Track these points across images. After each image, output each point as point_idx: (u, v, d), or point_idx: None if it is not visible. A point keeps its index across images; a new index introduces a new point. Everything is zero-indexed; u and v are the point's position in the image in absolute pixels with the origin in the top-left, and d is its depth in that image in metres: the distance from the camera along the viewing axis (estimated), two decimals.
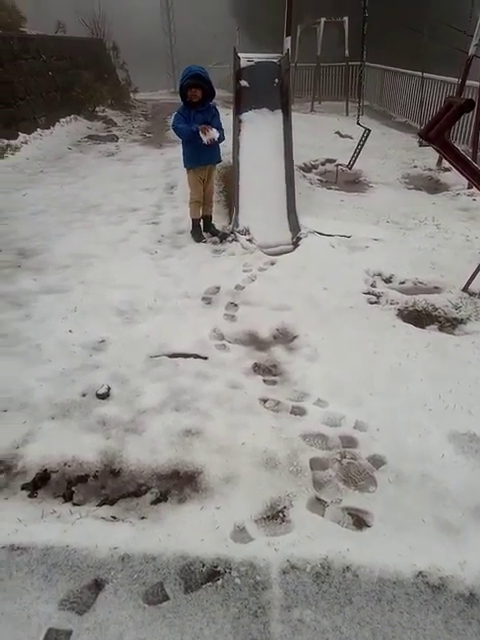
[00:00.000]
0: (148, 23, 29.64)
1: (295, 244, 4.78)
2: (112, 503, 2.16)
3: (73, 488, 2.23)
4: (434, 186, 7.01)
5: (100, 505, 2.15)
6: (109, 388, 2.82)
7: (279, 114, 5.99)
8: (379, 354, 3.12)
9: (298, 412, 2.67)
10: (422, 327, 3.47)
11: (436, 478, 2.24)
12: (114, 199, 6.21)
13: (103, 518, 2.07)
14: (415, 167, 7.78)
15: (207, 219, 5.15)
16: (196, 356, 3.15)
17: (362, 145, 7.35)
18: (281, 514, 2.10)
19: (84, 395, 2.78)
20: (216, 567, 1.88)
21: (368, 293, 3.89)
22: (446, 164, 6.76)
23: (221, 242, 4.89)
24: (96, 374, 2.95)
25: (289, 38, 6.96)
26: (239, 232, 4.90)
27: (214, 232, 5.08)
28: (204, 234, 5.07)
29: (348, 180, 7.24)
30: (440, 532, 2.01)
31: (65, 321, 3.47)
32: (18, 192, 6.42)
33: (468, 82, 7.21)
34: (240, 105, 5.99)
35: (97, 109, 12.94)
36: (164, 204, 6.06)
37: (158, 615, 1.75)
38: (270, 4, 16.91)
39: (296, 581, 1.84)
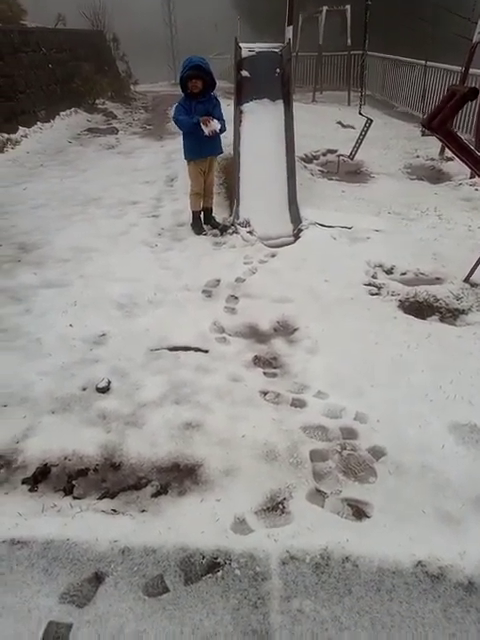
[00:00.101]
0: (148, 14, 29.42)
1: (296, 236, 4.75)
2: (112, 496, 2.17)
3: (73, 482, 2.23)
4: (436, 176, 6.95)
5: (100, 498, 2.16)
6: (109, 382, 2.82)
7: (280, 104, 5.94)
8: (380, 345, 3.11)
9: (298, 404, 2.67)
10: (423, 318, 3.46)
11: (437, 469, 2.24)
12: (114, 192, 6.19)
13: (103, 511, 2.08)
14: (417, 157, 7.71)
15: (208, 211, 5.12)
16: (196, 349, 3.15)
17: (364, 135, 7.30)
18: (281, 505, 2.10)
19: (84, 389, 2.79)
20: (216, 559, 1.89)
21: (369, 284, 3.88)
22: (449, 154, 6.70)
23: (222, 234, 4.87)
24: (96, 368, 2.95)
25: (291, 27, 6.91)
26: (240, 224, 4.88)
27: (215, 224, 5.06)
28: (205, 226, 5.05)
29: (350, 171, 7.19)
30: (440, 523, 2.01)
31: (65, 315, 3.47)
32: (18, 186, 6.41)
33: (471, 70, 7.13)
34: (241, 96, 5.94)
35: (97, 102, 12.88)
36: (164, 197, 6.03)
37: (158, 607, 1.76)
38: None
39: (296, 572, 1.85)
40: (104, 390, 2.77)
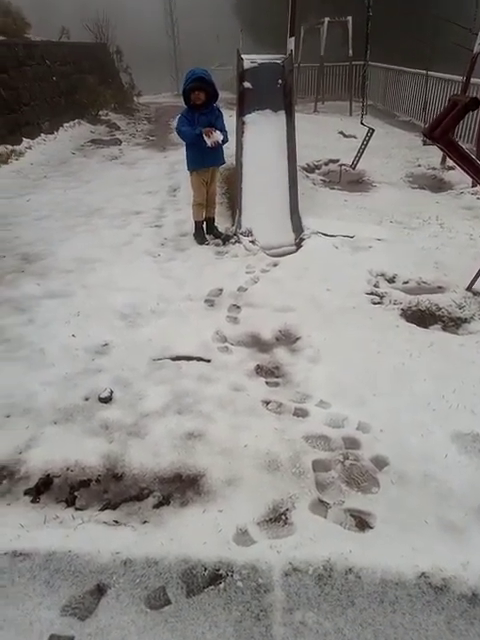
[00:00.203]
0: (151, 26, 29.74)
1: (298, 245, 4.77)
2: (114, 507, 2.17)
3: (75, 493, 2.23)
4: (438, 185, 6.97)
5: (102, 509, 2.16)
6: (112, 392, 2.82)
7: (282, 115, 5.98)
8: (382, 354, 3.10)
9: (301, 414, 2.67)
10: (425, 327, 3.46)
11: (439, 478, 2.23)
12: (117, 203, 6.24)
13: (105, 523, 2.08)
14: (419, 166, 7.74)
15: (210, 221, 5.15)
16: (199, 359, 3.16)
17: (365, 145, 7.33)
18: (283, 516, 2.09)
19: (87, 399, 2.79)
20: (218, 570, 1.88)
21: (371, 293, 3.88)
22: (450, 163, 6.72)
23: (224, 244, 4.89)
24: (99, 378, 2.96)
25: (293, 39, 6.95)
26: (242, 234, 4.91)
27: (217, 234, 5.09)
28: (207, 236, 5.07)
29: (351, 180, 7.22)
30: (443, 533, 2.00)
31: (68, 325, 3.49)
32: (22, 197, 6.47)
33: (473, 80, 7.16)
34: (243, 107, 5.99)
35: (101, 113, 13.00)
36: (167, 207, 6.07)
37: (160, 620, 1.75)
38: (273, 4, 16.91)
39: (298, 583, 1.84)
40: (107, 400, 2.78)
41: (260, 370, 3.08)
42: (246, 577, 1.86)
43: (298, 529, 2.03)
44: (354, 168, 7.49)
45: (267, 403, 2.76)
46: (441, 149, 3.87)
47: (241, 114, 5.95)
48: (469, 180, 5.90)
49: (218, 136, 4.47)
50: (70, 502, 2.19)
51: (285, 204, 5.32)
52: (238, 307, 3.78)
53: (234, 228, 5.06)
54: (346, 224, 5.13)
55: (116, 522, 2.09)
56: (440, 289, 3.94)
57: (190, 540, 1.98)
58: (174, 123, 5.41)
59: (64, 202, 6.29)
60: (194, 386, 2.88)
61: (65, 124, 11.09)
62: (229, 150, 5.24)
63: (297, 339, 3.34)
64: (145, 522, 2.09)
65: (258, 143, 5.68)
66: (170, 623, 1.74)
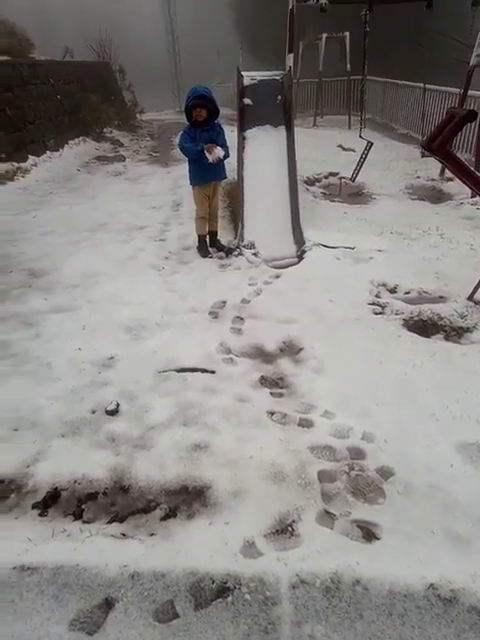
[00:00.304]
0: (153, 45, 30.20)
1: (300, 257, 4.81)
2: (122, 520, 2.17)
3: (83, 506, 2.24)
4: (437, 196, 7.02)
5: (110, 522, 2.16)
6: (118, 404, 2.84)
7: (282, 130, 6.06)
8: (385, 365, 3.12)
9: (305, 424, 2.68)
10: (428, 337, 3.47)
11: (445, 489, 2.23)
12: (122, 218, 6.31)
13: (113, 536, 2.08)
14: (418, 178, 7.80)
15: (213, 235, 5.20)
16: (203, 370, 3.18)
17: (365, 158, 7.41)
18: (290, 528, 2.09)
19: (93, 412, 2.81)
20: (226, 583, 1.88)
21: (373, 304, 3.90)
22: (449, 174, 6.78)
23: (227, 257, 4.94)
24: (105, 391, 2.98)
25: (291, 55, 7.08)
26: (244, 246, 4.95)
27: (220, 247, 5.13)
28: (210, 249, 5.12)
29: (351, 192, 7.29)
30: (450, 543, 2.00)
31: (74, 339, 3.52)
32: (28, 214, 6.54)
33: (470, 92, 7.25)
34: (244, 122, 6.08)
35: (105, 130, 13.17)
36: (171, 221, 6.13)
37: (168, 633, 1.75)
38: (273, 21, 17.17)
39: (306, 596, 1.84)
40: (113, 413, 2.80)
41: (264, 381, 3.09)
42: (254, 590, 1.86)
43: (305, 541, 2.03)
44: (354, 181, 7.56)
45: (272, 414, 2.77)
46: (439, 161, 3.92)
47: (242, 130, 6.04)
48: (468, 191, 5.94)
49: (219, 152, 4.54)
50: (77, 515, 2.20)
51: (286, 217, 5.37)
52: (242, 319, 3.80)
53: (237, 241, 5.10)
54: (347, 236, 5.17)
55: (123, 535, 2.09)
56: (441, 299, 3.96)
57: (197, 553, 1.99)
58: (177, 139, 5.50)
59: (69, 218, 6.36)
60: (199, 398, 2.90)
61: (70, 141, 11.24)
62: (231, 165, 5.30)
63: (300, 350, 3.36)
64: (152, 535, 2.09)
65: (259, 157, 5.76)
66: (178, 637, 1.74)
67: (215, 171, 4.79)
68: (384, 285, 4.18)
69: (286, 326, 3.62)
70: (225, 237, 5.33)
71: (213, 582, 1.88)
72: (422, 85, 8.10)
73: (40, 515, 2.20)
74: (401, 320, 3.67)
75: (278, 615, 1.79)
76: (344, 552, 1.97)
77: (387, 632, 1.74)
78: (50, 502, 2.26)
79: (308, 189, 7.15)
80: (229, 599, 1.84)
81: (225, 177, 5.06)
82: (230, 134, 5.27)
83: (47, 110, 10.65)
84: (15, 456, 2.48)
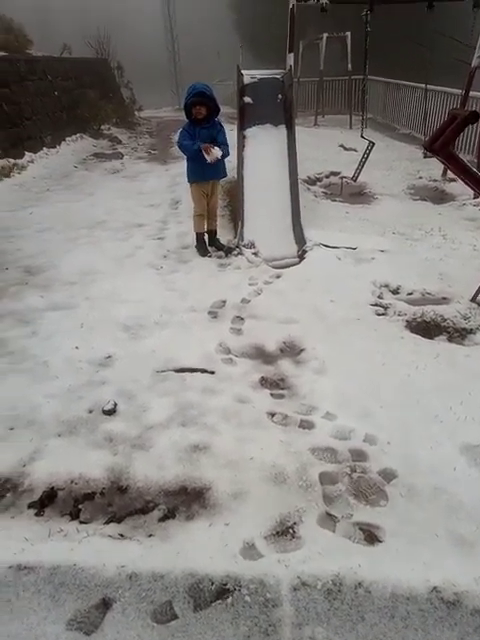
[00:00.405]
0: (152, 42, 30.15)
1: (301, 257, 4.78)
2: (119, 521, 2.14)
3: (80, 506, 2.21)
4: (440, 196, 7.01)
5: (107, 523, 2.13)
6: (116, 404, 2.81)
7: (283, 129, 6.04)
8: (388, 366, 3.09)
9: (306, 426, 2.65)
10: (431, 338, 3.45)
11: (449, 491, 2.20)
12: (120, 215, 6.27)
13: (110, 536, 2.05)
14: (420, 178, 7.79)
15: (212, 234, 5.17)
16: (203, 370, 3.14)
17: (366, 157, 7.39)
18: (291, 530, 2.06)
19: (91, 411, 2.77)
20: (225, 585, 1.85)
21: (375, 305, 3.88)
22: (451, 175, 6.77)
23: (227, 256, 4.91)
24: (103, 390, 2.94)
25: (292, 54, 7.05)
26: (244, 246, 4.92)
27: (219, 246, 5.10)
28: (209, 248, 5.09)
29: (353, 192, 7.26)
30: (454, 546, 1.97)
31: (72, 337, 3.48)
32: (25, 210, 6.50)
33: (471, 93, 7.24)
34: (244, 121, 6.05)
35: (102, 127, 13.12)
36: (169, 219, 6.10)
37: (167, 634, 1.72)
38: (273, 21, 17.16)
39: (307, 598, 1.81)
40: (110, 412, 2.76)
41: (265, 382, 3.06)
42: (254, 592, 1.83)
43: (306, 543, 2.00)
44: (355, 180, 7.54)
45: (272, 415, 2.74)
46: (441, 162, 3.90)
47: (242, 128, 6.01)
48: (471, 191, 5.92)
49: (217, 152, 4.51)
50: (74, 515, 2.16)
51: (287, 216, 5.35)
52: (242, 319, 3.77)
53: (236, 240, 5.07)
54: (348, 236, 5.15)
55: (121, 535, 2.06)
56: (445, 300, 3.93)
57: (196, 554, 1.95)
58: (175, 137, 5.47)
59: (66, 215, 6.32)
60: (198, 398, 2.87)
61: (67, 138, 11.19)
62: (231, 163, 5.27)
63: (301, 351, 3.33)
64: (151, 535, 2.06)
65: (259, 156, 5.73)
66: (177, 638, 1.71)
67: (214, 170, 4.75)
68: (386, 286, 4.15)
69: (287, 326, 3.59)
70: (225, 236, 5.30)
71: (212, 583, 1.85)
72: (424, 85, 8.10)
73: (36, 515, 2.17)
74: (404, 321, 3.64)
75: (279, 617, 1.76)
76: (346, 554, 1.95)
77: (389, 635, 1.71)
78: (47, 502, 2.22)
79: (309, 188, 7.13)
80: (229, 600, 1.81)
81: (225, 176, 5.02)
82: (230, 133, 5.24)
83: (44, 106, 10.60)
84: (11, 455, 2.44)
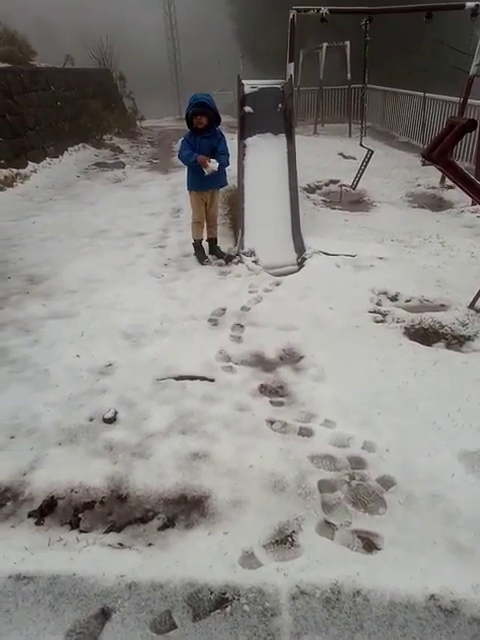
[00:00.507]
0: (154, 53, 30.43)
1: (300, 264, 4.80)
2: (119, 530, 2.15)
3: (80, 515, 2.21)
4: (438, 204, 7.04)
5: (107, 532, 2.13)
6: (116, 412, 2.82)
7: (283, 138, 6.08)
8: (386, 373, 3.10)
9: (306, 433, 2.65)
10: (429, 345, 3.46)
11: (447, 498, 2.20)
12: (121, 224, 6.31)
13: (110, 545, 2.06)
14: (419, 186, 7.82)
15: (212, 242, 5.20)
16: (203, 378, 3.16)
17: (365, 165, 7.43)
18: (290, 538, 2.07)
19: (91, 420, 2.79)
20: (224, 594, 1.85)
21: (374, 312, 3.89)
22: (449, 182, 6.80)
23: (227, 264, 4.93)
24: (103, 398, 2.96)
25: (292, 64, 7.11)
26: (244, 254, 4.95)
27: (220, 254, 5.13)
28: (209, 256, 5.12)
29: (352, 200, 7.30)
30: (452, 554, 1.97)
31: (73, 346, 3.50)
32: (27, 219, 6.55)
33: (470, 101, 7.29)
34: (244, 130, 6.10)
35: (104, 137, 13.23)
36: (170, 228, 6.14)
37: None
38: (273, 31, 17.32)
39: (306, 607, 1.81)
40: (111, 421, 2.77)
41: (264, 389, 3.07)
42: (253, 601, 1.83)
43: (305, 551, 2.00)
44: (354, 188, 7.58)
45: (272, 423, 2.75)
46: (440, 170, 3.93)
47: (242, 137, 6.06)
48: (469, 199, 5.95)
49: (213, 165, 4.55)
50: (74, 524, 2.17)
51: (287, 224, 5.37)
52: (241, 326, 3.79)
53: (237, 248, 5.10)
54: (347, 243, 5.17)
55: (121, 545, 2.06)
56: (443, 307, 3.95)
57: (196, 563, 1.96)
58: (177, 146, 5.52)
59: (69, 224, 6.37)
60: (198, 406, 2.88)
61: (70, 148, 11.29)
62: (231, 172, 5.31)
63: (301, 358, 3.34)
64: (150, 545, 2.07)
65: (259, 165, 5.77)
66: None
67: (213, 179, 4.79)
68: (385, 293, 4.17)
69: (286, 334, 3.60)
70: (225, 244, 5.33)
71: (211, 593, 1.86)
72: (422, 94, 8.15)
73: (36, 524, 2.17)
74: (402, 328, 3.65)
75: (277, 626, 1.76)
76: (344, 563, 1.95)
77: None
78: (47, 511, 2.23)
79: (309, 196, 7.17)
80: (228, 610, 1.81)
81: (225, 185, 5.06)
82: (230, 142, 5.28)
83: (47, 116, 10.70)
84: (12, 464, 2.46)
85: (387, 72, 13.59)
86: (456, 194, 6.76)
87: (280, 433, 2.67)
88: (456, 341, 3.49)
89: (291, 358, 3.38)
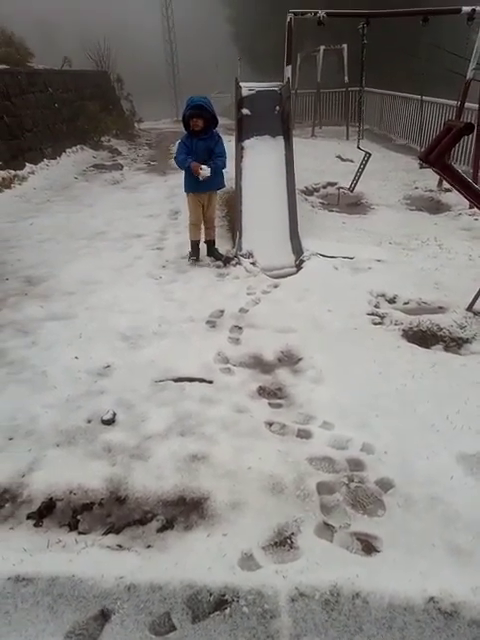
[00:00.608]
0: (152, 55, 30.47)
1: (298, 267, 4.81)
2: (118, 531, 2.14)
3: (78, 516, 2.21)
4: (435, 207, 7.06)
5: (106, 534, 2.13)
6: (114, 414, 2.81)
7: (280, 140, 6.10)
8: (384, 375, 3.11)
9: (304, 435, 2.65)
10: (427, 347, 3.47)
11: (446, 501, 2.21)
12: (119, 226, 6.31)
13: (109, 547, 2.05)
14: (416, 188, 7.85)
15: (210, 244, 5.21)
16: (201, 380, 3.15)
17: (363, 168, 7.45)
18: (289, 540, 2.07)
19: (89, 421, 2.78)
20: (223, 596, 1.85)
21: (372, 314, 3.90)
22: (447, 185, 6.83)
23: (225, 266, 4.94)
24: (101, 400, 2.95)
25: (289, 67, 7.13)
26: (242, 256, 4.96)
27: (218, 256, 5.13)
28: (208, 258, 5.13)
29: (350, 203, 7.32)
30: (451, 556, 1.97)
31: (71, 347, 3.49)
32: (25, 221, 6.54)
33: (467, 104, 7.32)
34: (242, 132, 6.12)
35: (102, 139, 13.23)
36: (168, 230, 6.14)
37: None
38: (270, 33, 17.37)
39: (305, 609, 1.81)
40: (109, 422, 2.77)
41: (263, 391, 3.07)
42: (252, 602, 1.83)
43: (304, 553, 2.00)
44: (352, 191, 7.60)
45: (270, 425, 2.75)
46: (437, 172, 3.94)
47: (240, 140, 6.07)
48: (466, 202, 5.97)
49: (205, 172, 4.58)
50: (73, 526, 2.16)
51: (285, 226, 5.39)
52: (240, 328, 3.79)
53: (235, 250, 5.11)
54: (345, 246, 5.18)
55: (119, 546, 2.06)
56: (441, 309, 3.96)
57: (195, 565, 1.96)
58: (174, 148, 5.53)
59: (67, 225, 6.36)
60: (197, 408, 2.87)
61: (67, 150, 11.28)
62: (229, 174, 5.32)
63: (299, 360, 3.35)
64: (149, 546, 2.06)
65: (257, 167, 5.78)
66: None
67: (209, 181, 4.80)
68: (383, 295, 4.18)
69: (284, 336, 3.60)
70: (223, 246, 5.34)
71: (211, 594, 1.85)
72: (419, 97, 8.19)
73: (35, 525, 2.17)
74: (400, 330, 3.66)
75: (277, 628, 1.76)
76: (343, 565, 1.95)
77: None
78: (45, 512, 2.22)
79: (306, 199, 7.19)
80: (227, 612, 1.81)
81: (222, 187, 5.06)
82: (228, 144, 5.29)
83: (45, 118, 10.70)
84: (10, 465, 2.45)
85: (387, 75, 13.65)
86: (454, 197, 6.79)
87: (279, 435, 2.67)
88: (454, 343, 3.50)
89: (289, 360, 3.39)
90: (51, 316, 3.98)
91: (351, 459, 2.47)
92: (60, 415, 2.82)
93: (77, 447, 2.59)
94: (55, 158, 10.49)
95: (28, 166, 9.18)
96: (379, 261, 4.82)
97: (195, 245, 5.12)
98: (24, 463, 2.46)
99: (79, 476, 2.38)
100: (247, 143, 6.04)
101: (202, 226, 5.11)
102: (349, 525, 2.13)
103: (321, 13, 6.76)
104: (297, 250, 5.08)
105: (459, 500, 2.20)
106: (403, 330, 3.67)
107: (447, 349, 3.46)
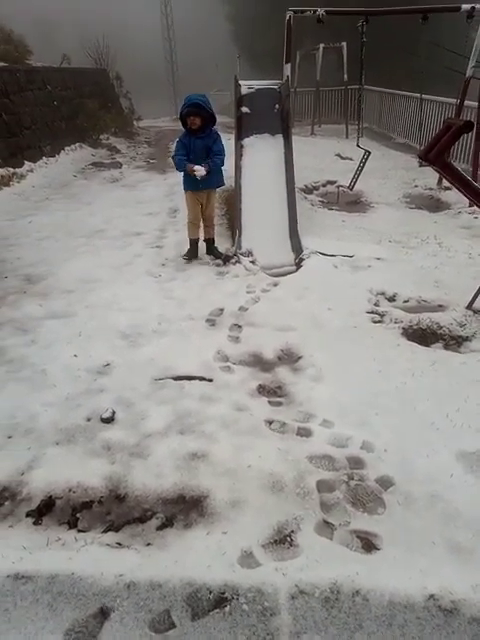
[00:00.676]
0: (151, 53, 30.41)
1: (298, 265, 4.81)
2: (117, 529, 2.14)
3: (78, 514, 2.21)
4: (435, 205, 7.06)
5: (105, 531, 2.13)
6: (114, 412, 2.81)
7: (280, 138, 6.09)
8: (384, 373, 3.10)
9: (304, 433, 2.65)
10: (427, 345, 3.46)
11: (446, 498, 2.21)
12: (118, 224, 6.30)
13: (108, 545, 2.05)
14: (416, 187, 7.85)
15: (210, 242, 5.20)
16: (201, 378, 3.15)
17: (362, 166, 7.44)
18: (289, 538, 2.07)
19: (89, 419, 2.78)
20: (223, 593, 1.85)
21: (372, 312, 3.90)
22: (446, 183, 6.83)
23: (224, 264, 4.93)
24: (101, 398, 2.95)
25: (289, 65, 7.12)
26: (242, 254, 4.95)
27: (217, 254, 5.13)
28: (207, 256, 5.12)
29: (349, 201, 7.32)
30: (451, 554, 1.97)
31: (70, 345, 3.49)
32: (24, 219, 6.53)
33: (466, 102, 7.32)
34: (241, 131, 6.11)
35: (101, 137, 13.20)
36: (167, 228, 6.13)
37: None
38: (270, 31, 17.33)
39: (305, 606, 1.81)
40: (109, 420, 2.76)
41: (262, 389, 3.07)
42: (252, 600, 1.83)
43: (304, 551, 2.00)
44: (352, 189, 7.60)
45: (270, 423, 2.75)
46: (437, 171, 3.94)
47: (239, 138, 6.06)
48: (466, 200, 5.97)
49: (201, 171, 4.60)
50: (72, 524, 2.16)
51: (284, 225, 5.38)
52: (239, 326, 3.79)
53: (234, 248, 5.10)
54: (345, 244, 5.18)
55: (119, 544, 2.06)
56: (440, 308, 3.96)
57: (194, 563, 1.95)
58: (173, 146, 5.52)
59: (66, 223, 6.35)
60: (196, 406, 2.87)
61: (66, 147, 11.26)
62: (228, 172, 5.31)
63: (299, 358, 3.34)
64: (148, 544, 2.06)
65: (256, 166, 5.78)
66: None
67: (208, 180, 4.79)
68: (383, 293, 4.18)
69: (284, 334, 3.60)
70: (222, 244, 5.33)
71: (210, 592, 1.85)
72: (419, 95, 8.19)
73: (35, 523, 2.16)
74: (400, 329, 3.66)
75: (277, 626, 1.76)
76: (343, 562, 1.95)
77: None
78: (45, 510, 2.22)
79: (306, 197, 7.18)
80: (227, 609, 1.80)
81: (221, 185, 5.06)
82: (227, 142, 5.28)
83: (44, 116, 10.67)
84: (10, 463, 2.45)
85: (386, 73, 13.63)
86: (453, 195, 6.79)
87: (278, 433, 2.66)
88: (454, 342, 3.50)
89: (289, 358, 3.39)
90: (50, 314, 3.97)
91: (351, 457, 2.47)
92: (59, 413, 2.82)
93: (76, 445, 2.59)
94: (54, 156, 10.47)
95: (27, 164, 9.16)
96: (379, 259, 4.82)
97: (194, 243, 5.11)
98: (23, 461, 2.46)
99: (78, 474, 2.38)
100: (246, 141, 6.03)
101: (201, 224, 5.10)
102: (349, 523, 2.13)
103: (320, 11, 6.75)
104: (297, 248, 5.08)
105: (459, 498, 2.20)
106: (403, 328, 3.67)
107: (447, 347, 3.46)
